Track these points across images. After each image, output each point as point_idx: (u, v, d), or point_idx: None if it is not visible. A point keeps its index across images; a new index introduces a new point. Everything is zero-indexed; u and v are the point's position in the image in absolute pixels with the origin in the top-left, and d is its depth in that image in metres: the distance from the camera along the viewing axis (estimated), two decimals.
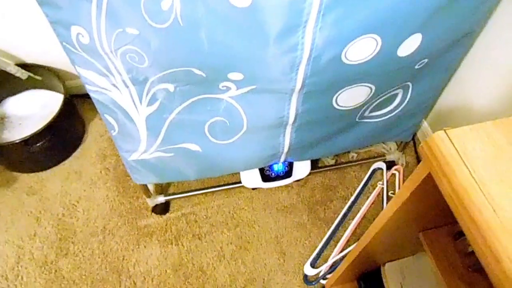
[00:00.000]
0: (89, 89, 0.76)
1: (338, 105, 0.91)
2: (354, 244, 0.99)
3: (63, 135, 1.34)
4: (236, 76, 0.74)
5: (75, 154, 1.40)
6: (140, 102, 0.79)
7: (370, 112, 1.02)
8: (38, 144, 1.26)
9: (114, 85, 0.73)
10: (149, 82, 0.75)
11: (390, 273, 0.98)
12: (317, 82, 0.76)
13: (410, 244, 0.84)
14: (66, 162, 1.38)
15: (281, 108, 0.87)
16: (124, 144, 0.92)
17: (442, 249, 0.72)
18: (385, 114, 1.05)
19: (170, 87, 0.77)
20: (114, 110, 0.79)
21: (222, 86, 0.78)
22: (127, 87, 0.74)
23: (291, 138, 0.99)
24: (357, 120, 1.03)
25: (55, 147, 1.33)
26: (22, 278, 1.15)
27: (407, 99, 1.02)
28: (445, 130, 0.43)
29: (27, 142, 1.21)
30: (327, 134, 1.03)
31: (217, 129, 0.92)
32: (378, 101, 0.98)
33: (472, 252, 0.69)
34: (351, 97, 0.89)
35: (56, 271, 1.17)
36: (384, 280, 0.98)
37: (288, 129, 0.96)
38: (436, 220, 0.73)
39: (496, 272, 0.37)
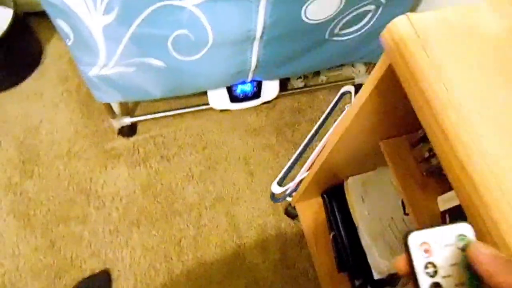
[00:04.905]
0: None
1: (307, 17, 0.88)
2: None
3: (16, 53, 1.25)
4: None
5: (33, 75, 1.32)
6: (95, 8, 0.74)
7: (340, 29, 1.00)
8: None
9: None
10: None
11: (352, 187, 1.02)
12: None
13: (371, 156, 0.86)
14: (23, 84, 1.31)
15: (248, 19, 0.83)
16: (82, 56, 0.87)
17: (399, 156, 0.75)
18: (355, 31, 1.03)
19: None
20: (68, 14, 0.74)
21: None
22: None
23: (259, 55, 0.97)
24: (326, 37, 1.00)
25: (9, 66, 1.25)
26: None
27: (376, 16, 1.00)
28: (407, 15, 0.42)
29: None
30: (296, 51, 1.01)
31: (182, 44, 0.87)
32: (349, 17, 0.95)
33: (427, 158, 0.72)
34: (320, 8, 0.86)
35: (21, 193, 1.15)
36: (346, 193, 1.03)
37: (256, 44, 0.93)
38: (395, 130, 0.75)
39: (445, 149, 0.39)
